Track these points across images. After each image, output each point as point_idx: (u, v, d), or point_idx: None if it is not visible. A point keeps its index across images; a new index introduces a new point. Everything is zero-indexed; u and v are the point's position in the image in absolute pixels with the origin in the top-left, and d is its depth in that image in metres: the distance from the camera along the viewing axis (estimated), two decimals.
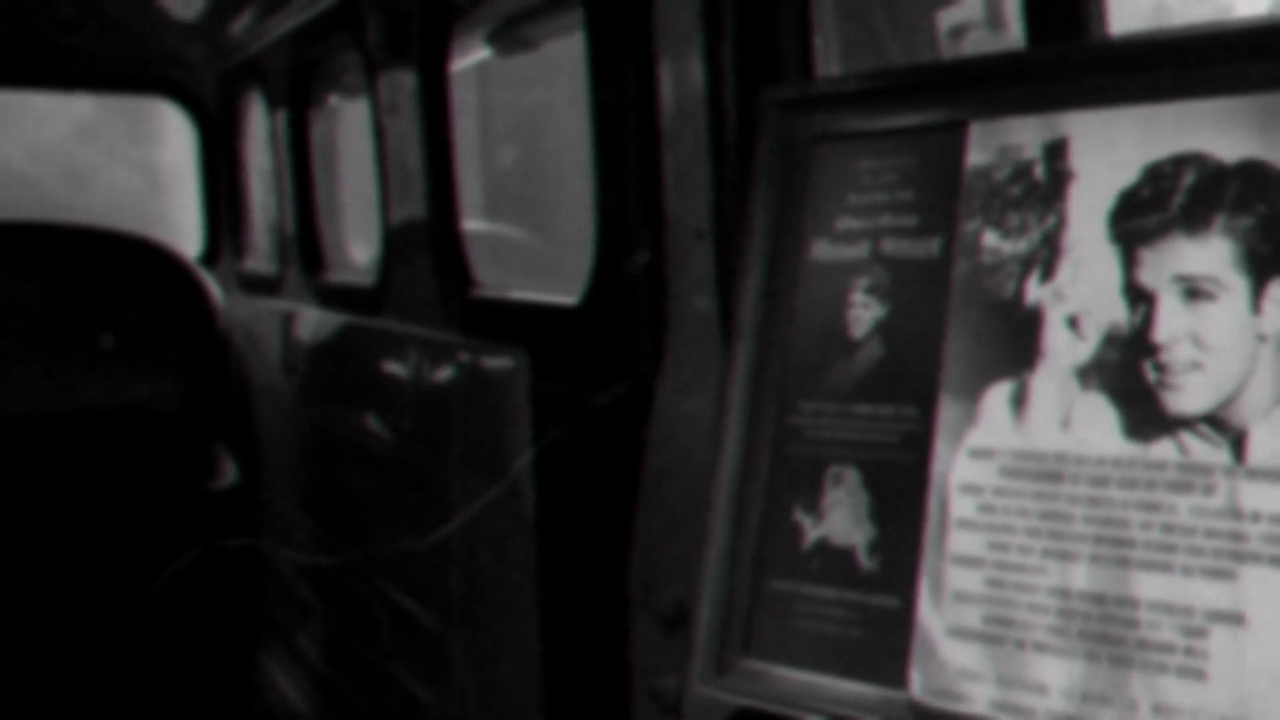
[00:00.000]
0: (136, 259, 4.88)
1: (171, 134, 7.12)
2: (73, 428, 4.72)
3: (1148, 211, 1.54)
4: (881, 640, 1.76)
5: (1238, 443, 1.45)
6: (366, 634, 4.55)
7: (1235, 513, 1.44)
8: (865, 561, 1.79)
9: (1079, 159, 1.63)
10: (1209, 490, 1.47)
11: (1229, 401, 1.46)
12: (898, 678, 1.73)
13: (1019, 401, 1.65)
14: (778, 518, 1.90)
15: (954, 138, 1.77)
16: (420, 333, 3.87)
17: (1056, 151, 1.65)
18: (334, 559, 4.97)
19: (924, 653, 1.70)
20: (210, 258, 6.36)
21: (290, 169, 5.33)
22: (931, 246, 1.79)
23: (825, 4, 2.37)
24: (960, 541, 1.69)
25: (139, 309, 4.85)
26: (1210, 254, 1.48)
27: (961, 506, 1.69)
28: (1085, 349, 1.59)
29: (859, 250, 1.87)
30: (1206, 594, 1.46)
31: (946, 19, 2.51)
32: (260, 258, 6.13)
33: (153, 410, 4.77)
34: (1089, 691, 1.55)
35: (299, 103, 5.26)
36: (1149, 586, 1.51)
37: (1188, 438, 1.49)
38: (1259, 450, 1.43)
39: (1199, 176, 1.51)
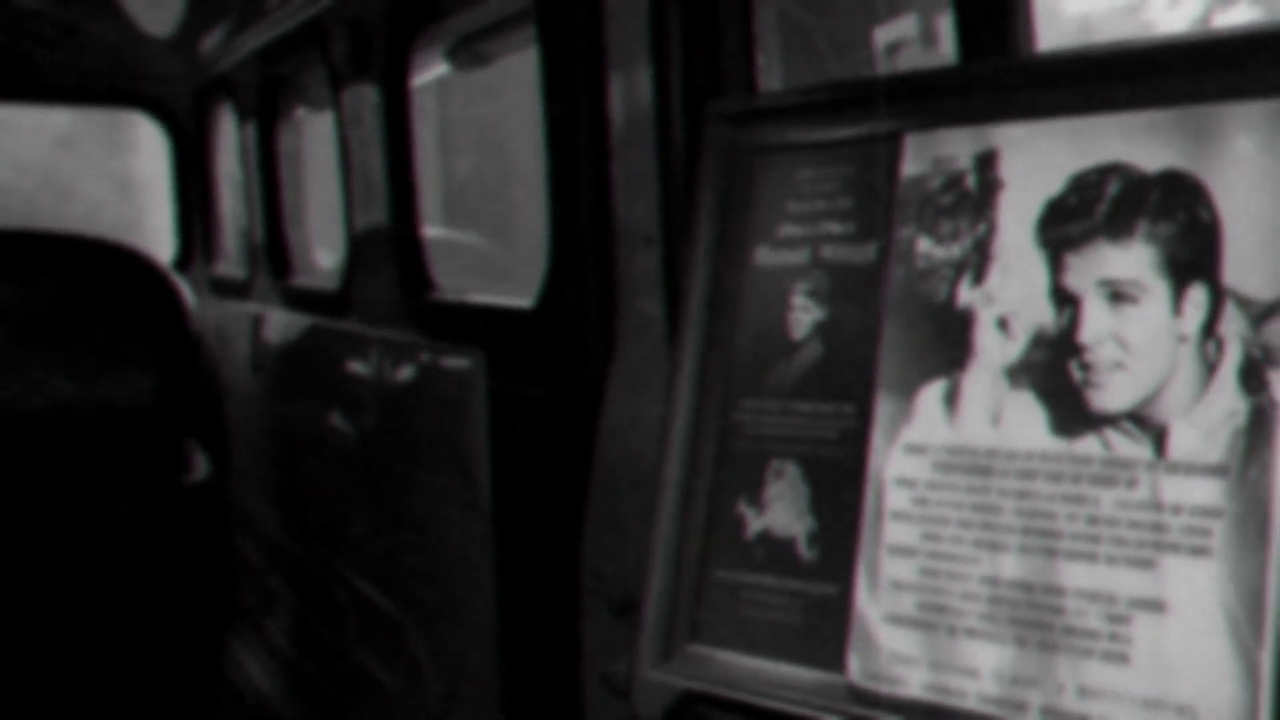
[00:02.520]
0: (112, 264, 4.85)
1: (146, 145, 7.09)
2: (51, 426, 4.68)
3: (1073, 219, 1.54)
4: (821, 626, 1.75)
5: (1159, 438, 1.45)
6: (331, 621, 4.53)
7: (1156, 505, 1.44)
8: (805, 551, 1.78)
9: (1008, 169, 1.62)
10: (1132, 484, 1.46)
11: (1151, 399, 1.45)
12: (836, 662, 1.72)
13: (951, 399, 1.64)
14: (722, 510, 1.89)
15: (890, 149, 1.77)
16: (382, 334, 3.85)
17: (987, 162, 1.65)
18: (301, 549, 4.95)
19: (861, 638, 1.69)
20: (183, 262, 6.34)
21: (259, 178, 5.31)
22: (868, 252, 1.78)
23: (767, 21, 2.36)
24: (895, 532, 1.68)
25: (115, 312, 4.82)
26: (1133, 259, 1.48)
27: (897, 499, 1.68)
28: (1014, 349, 1.58)
29: (799, 256, 1.86)
30: (1129, 582, 1.45)
31: (883, 36, 2.50)
32: (230, 263, 6.11)
33: (128, 408, 4.73)
34: (1018, 675, 1.54)
35: (267, 116, 5.25)
36: (1075, 575, 1.50)
37: (1111, 434, 1.48)
38: (1179, 445, 1.43)
39: (1122, 186, 1.50)
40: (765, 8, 2.37)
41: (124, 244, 4.95)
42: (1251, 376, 1.39)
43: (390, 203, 3.77)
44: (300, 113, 5.41)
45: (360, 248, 4.08)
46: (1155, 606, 1.43)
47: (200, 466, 4.81)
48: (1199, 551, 1.40)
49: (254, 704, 5.39)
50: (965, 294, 1.65)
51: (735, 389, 1.91)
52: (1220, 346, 1.41)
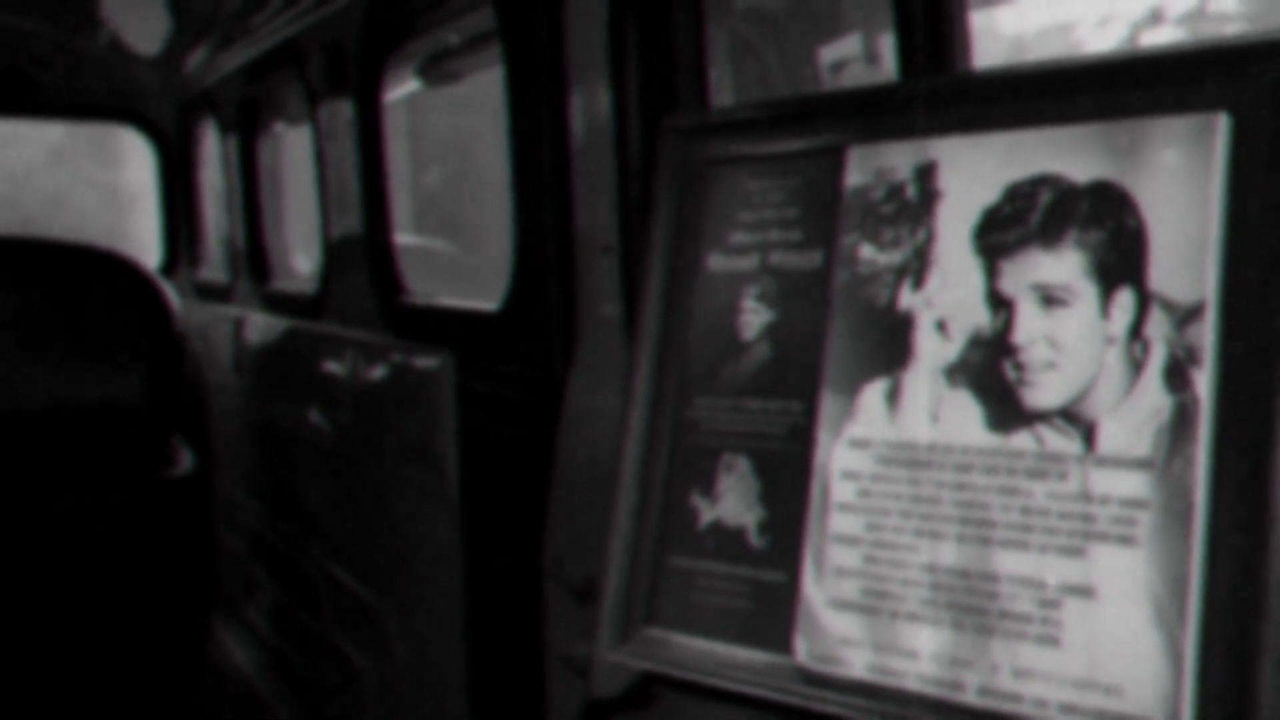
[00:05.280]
0: (102, 269, 4.82)
1: (134, 158, 7.05)
2: (45, 422, 4.65)
3: (1008, 227, 1.53)
4: (770, 611, 1.74)
5: (1088, 434, 1.44)
6: (309, 606, 4.51)
7: (1086, 497, 1.43)
8: (755, 540, 1.77)
9: (946, 180, 1.61)
10: (1063, 476, 1.45)
11: (1080, 397, 1.45)
12: (784, 645, 1.70)
13: (893, 397, 1.63)
14: (676, 501, 1.88)
15: (834, 161, 1.75)
16: (356, 336, 3.83)
17: (926, 173, 1.64)
18: (280, 538, 4.93)
19: (808, 622, 1.68)
20: (169, 268, 6.31)
21: (240, 188, 5.29)
22: (814, 258, 1.77)
23: (719, 40, 2.35)
24: (840, 522, 1.67)
25: (105, 315, 4.79)
26: (1064, 265, 1.47)
27: (841, 491, 1.67)
28: (952, 350, 1.57)
29: (749, 262, 1.85)
30: (1060, 570, 1.44)
31: (828, 54, 2.49)
32: (214, 268, 6.08)
33: (117, 406, 4.70)
34: (956, 657, 1.53)
35: (248, 129, 5.23)
36: (1009, 563, 1.49)
37: (1044, 429, 1.47)
38: (1107, 440, 1.42)
39: (1054, 196, 1.49)
40: (717, 28, 2.36)
41: (113, 251, 4.92)
42: (1175, 375, 1.38)
43: (364, 211, 3.75)
44: (279, 127, 5.39)
45: (336, 254, 4.06)
46: (1085, 592, 1.42)
47: (185, 460, 4.79)
48: (1126, 540, 1.40)
49: (236, 684, 5.37)
50: (906, 298, 1.63)
51: (689, 387, 1.90)
52: (1146, 347, 1.40)
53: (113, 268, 4.82)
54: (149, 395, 4.74)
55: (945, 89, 1.69)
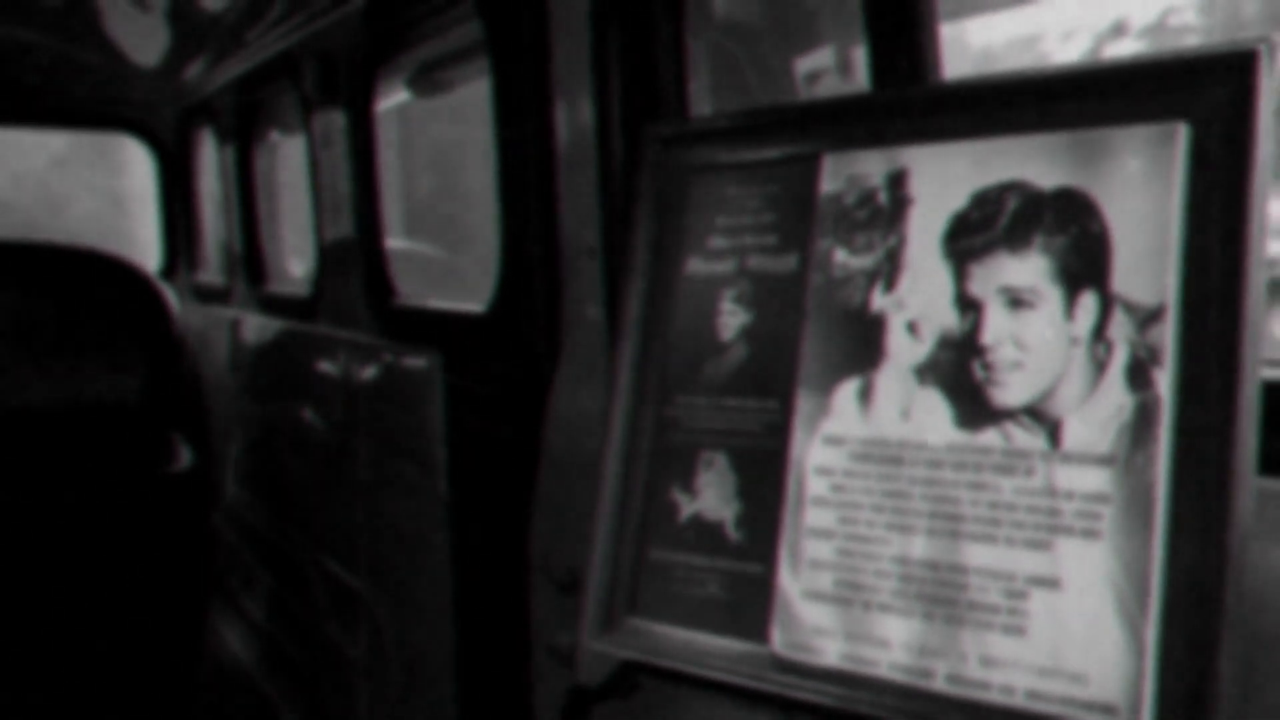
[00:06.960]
0: (104, 272, 4.80)
1: (135, 165, 7.04)
2: (48, 421, 4.64)
3: (976, 232, 1.53)
4: (747, 602, 1.73)
5: (1054, 431, 1.44)
6: (302, 597, 4.50)
7: (1051, 492, 1.43)
8: (733, 534, 1.77)
9: (917, 187, 1.61)
10: (1029, 472, 1.45)
11: (1046, 395, 1.45)
12: (760, 634, 1.70)
13: (865, 396, 1.63)
14: (657, 496, 1.88)
15: (809, 168, 1.75)
16: (348, 336, 3.82)
17: (898, 180, 1.64)
18: (275, 532, 4.91)
19: (783, 612, 1.68)
20: (168, 271, 6.30)
21: (237, 195, 5.28)
22: (790, 262, 1.76)
23: (699, 51, 2.35)
24: (815, 516, 1.67)
25: (106, 316, 4.77)
26: (1030, 268, 1.47)
27: (816, 486, 1.67)
28: (922, 350, 1.57)
29: (727, 265, 1.85)
30: (1027, 562, 1.44)
31: (803, 66, 2.49)
32: (211, 271, 6.07)
33: (118, 404, 4.69)
34: (925, 646, 1.53)
35: (245, 138, 5.22)
36: (977, 555, 1.49)
37: (1010, 427, 1.47)
38: (1071, 437, 1.42)
39: (1021, 202, 1.49)
40: (697, 40, 2.36)
41: (114, 254, 4.91)
42: (1137, 375, 1.38)
43: (356, 217, 3.74)
44: (274, 135, 5.38)
45: (329, 258, 4.05)
46: (1050, 584, 1.42)
47: (184, 457, 4.77)
48: (1090, 534, 1.40)
49: (232, 673, 5.35)
50: (878, 300, 1.63)
51: (669, 386, 1.89)
52: (1109, 348, 1.40)
53: (114, 271, 4.80)
54: (148, 394, 4.73)
55: (916, 99, 1.69)
